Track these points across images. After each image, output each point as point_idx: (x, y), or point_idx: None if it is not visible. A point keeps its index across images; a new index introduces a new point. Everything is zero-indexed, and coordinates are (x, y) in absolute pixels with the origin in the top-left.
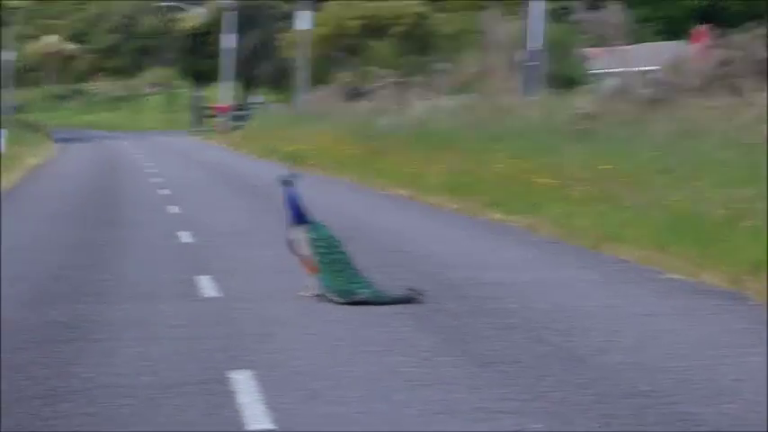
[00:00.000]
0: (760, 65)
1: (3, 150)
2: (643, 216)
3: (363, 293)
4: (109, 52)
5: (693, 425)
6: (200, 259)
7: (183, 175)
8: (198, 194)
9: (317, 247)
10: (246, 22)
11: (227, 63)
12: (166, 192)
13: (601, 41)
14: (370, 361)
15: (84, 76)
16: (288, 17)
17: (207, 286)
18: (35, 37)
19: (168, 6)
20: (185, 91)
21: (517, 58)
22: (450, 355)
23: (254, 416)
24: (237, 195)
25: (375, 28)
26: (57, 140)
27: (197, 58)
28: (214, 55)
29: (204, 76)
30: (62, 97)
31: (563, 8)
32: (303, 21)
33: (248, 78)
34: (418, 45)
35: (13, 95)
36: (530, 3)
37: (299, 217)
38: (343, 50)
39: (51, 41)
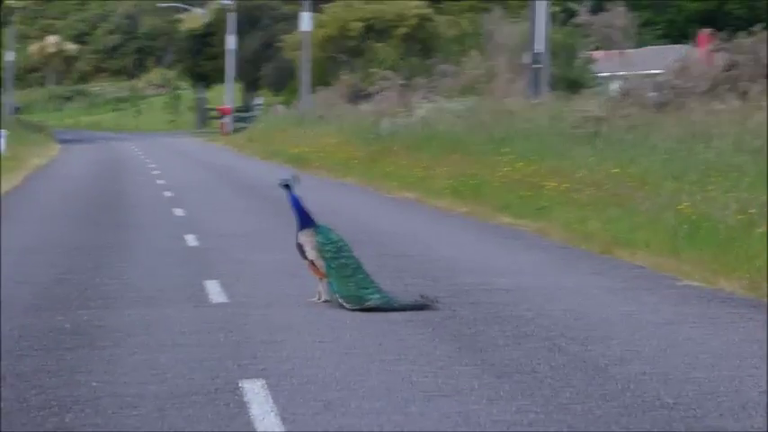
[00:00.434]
0: (766, 68)
1: (4, 151)
2: (655, 221)
3: (374, 300)
4: (110, 53)
5: None
6: (206, 263)
7: (187, 177)
8: (203, 196)
9: (325, 251)
10: (249, 24)
11: (229, 64)
12: (171, 194)
13: (605, 44)
14: (383, 370)
15: (86, 77)
16: (290, 18)
17: (214, 291)
18: (36, 37)
19: (169, 7)
20: (188, 92)
21: (521, 61)
22: (466, 364)
23: (266, 428)
24: (243, 197)
25: (377, 30)
26: (60, 141)
27: (199, 60)
28: (216, 56)
29: (207, 77)
30: (65, 98)
31: (565, 10)
32: (305, 22)
33: (251, 80)
34: (421, 47)
35: (13, 96)
36: (533, 4)
37: (305, 220)
38: (345, 52)
39: (52, 42)
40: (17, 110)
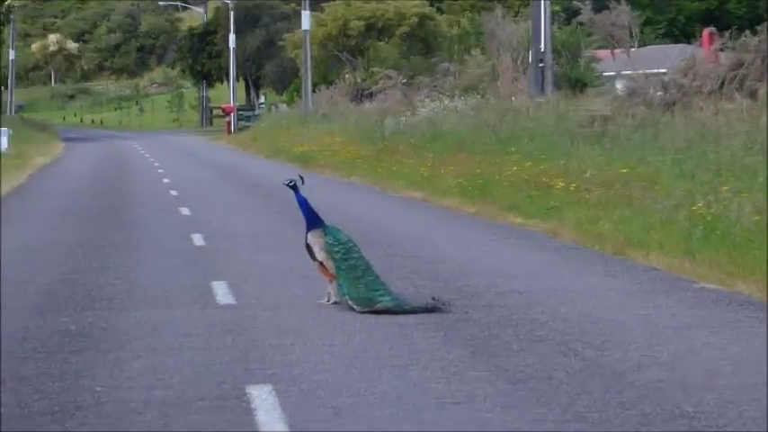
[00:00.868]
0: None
1: (7, 149)
2: (667, 221)
3: (384, 302)
4: (112, 51)
5: None
6: (212, 263)
7: (192, 176)
8: (209, 195)
9: (334, 252)
10: (249, 22)
11: (231, 63)
12: (176, 192)
13: (609, 43)
14: (395, 375)
15: (88, 75)
16: (290, 17)
17: (221, 292)
18: (37, 36)
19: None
20: (191, 91)
21: (524, 60)
22: (479, 369)
23: None
24: (248, 196)
25: (378, 28)
26: (64, 140)
27: (201, 58)
28: (218, 55)
29: (209, 75)
30: (68, 96)
31: (566, 9)
32: (305, 21)
33: (253, 79)
34: (422, 46)
35: (15, 94)
36: (536, 3)
37: (313, 220)
38: (346, 51)
39: (53, 40)
40: (20, 108)
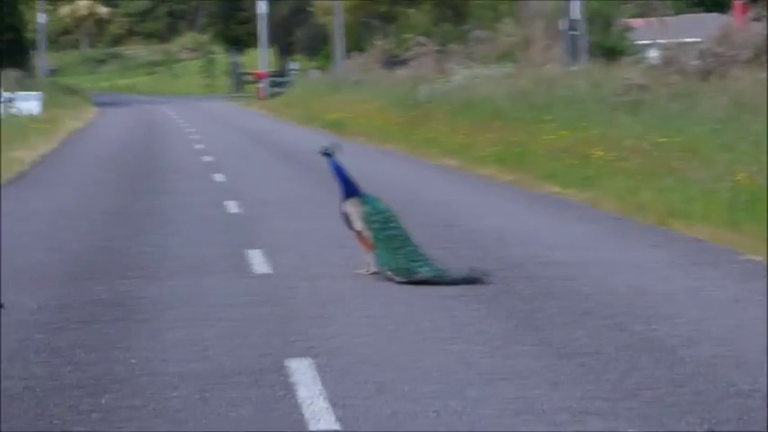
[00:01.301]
0: None
1: (40, 113)
2: (710, 192)
3: (424, 272)
4: (142, 16)
5: None
6: (248, 231)
7: (225, 142)
8: (242, 162)
9: (372, 221)
10: None
11: (262, 29)
12: (210, 159)
13: (643, 12)
14: (437, 349)
15: (119, 40)
16: None
17: (256, 261)
18: (67, 0)
19: None
20: (222, 56)
21: (557, 27)
22: (524, 344)
23: (315, 413)
24: (283, 163)
25: None
26: (96, 104)
27: (231, 24)
28: (248, 20)
29: (240, 41)
30: (98, 61)
31: None
32: None
33: (284, 45)
34: (453, 13)
35: (46, 58)
36: None
37: (350, 189)
38: (377, 17)
39: (84, 4)
40: (52, 72)
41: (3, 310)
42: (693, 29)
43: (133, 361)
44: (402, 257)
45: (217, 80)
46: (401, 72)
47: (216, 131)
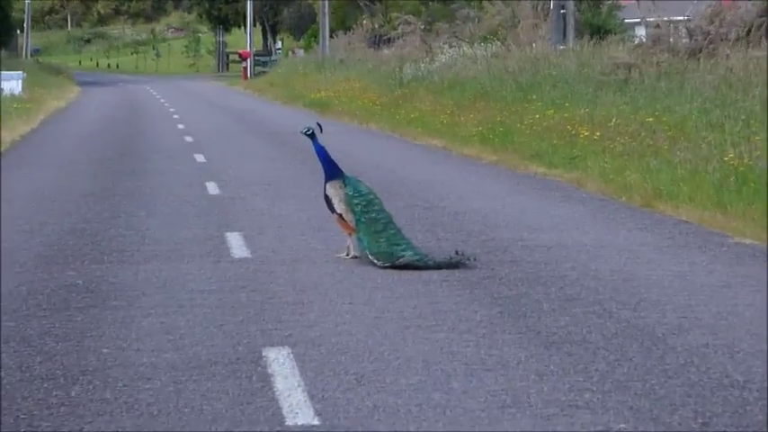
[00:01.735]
0: None
1: (21, 93)
2: (697, 172)
3: (407, 256)
4: None
5: None
6: (227, 213)
7: (208, 122)
8: (224, 142)
9: (354, 204)
10: None
11: (249, 8)
12: (191, 139)
13: None
14: (419, 338)
15: (105, 20)
16: None
17: (236, 245)
18: None
19: None
20: (208, 35)
21: (545, 6)
22: (509, 332)
23: (293, 406)
24: (265, 143)
25: None
26: (80, 84)
27: (218, 3)
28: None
29: (226, 20)
30: (84, 40)
31: None
32: None
33: (271, 24)
34: None
35: (31, 38)
36: None
37: (332, 170)
38: None
39: None
40: (36, 52)
41: None
42: (682, 7)
43: (105, 350)
44: (384, 241)
45: (201, 59)
46: (387, 51)
47: (199, 111)
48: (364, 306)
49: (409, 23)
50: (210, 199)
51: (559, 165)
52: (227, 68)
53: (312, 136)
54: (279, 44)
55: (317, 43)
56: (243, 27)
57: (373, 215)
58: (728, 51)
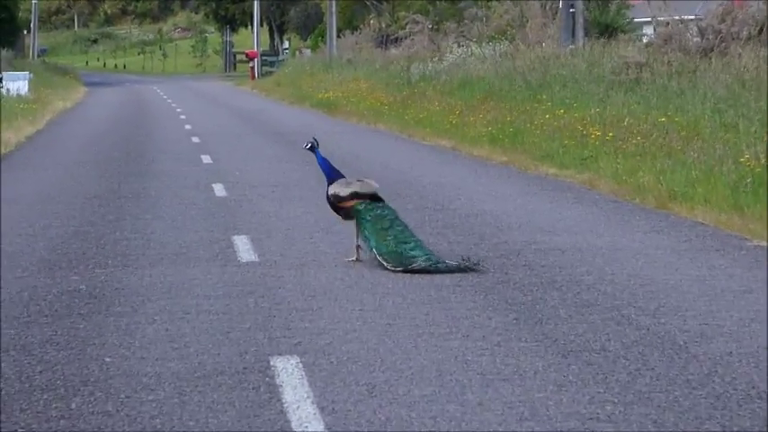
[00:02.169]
0: None
1: (28, 94)
2: (712, 174)
3: (417, 260)
4: None
5: None
6: (234, 216)
7: (215, 122)
8: (231, 143)
9: (359, 203)
10: None
11: (255, 8)
12: (198, 140)
13: None
14: (433, 346)
15: (111, 20)
16: None
17: (242, 248)
18: None
19: None
20: (215, 36)
21: (553, 5)
22: (526, 339)
23: (302, 419)
24: (272, 144)
25: None
26: (87, 84)
27: (225, 3)
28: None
29: (233, 20)
30: (91, 41)
31: None
32: None
33: (278, 24)
34: None
35: (37, 38)
36: None
37: (337, 176)
38: None
39: None
40: (43, 52)
41: None
42: (691, 6)
43: (108, 359)
44: (392, 239)
45: (208, 60)
46: (394, 51)
47: (206, 111)
48: (375, 312)
49: (417, 23)
50: (217, 201)
51: (571, 165)
52: (235, 68)
53: (313, 149)
54: (286, 44)
55: (324, 43)
56: (250, 27)
57: (378, 211)
58: (740, 50)
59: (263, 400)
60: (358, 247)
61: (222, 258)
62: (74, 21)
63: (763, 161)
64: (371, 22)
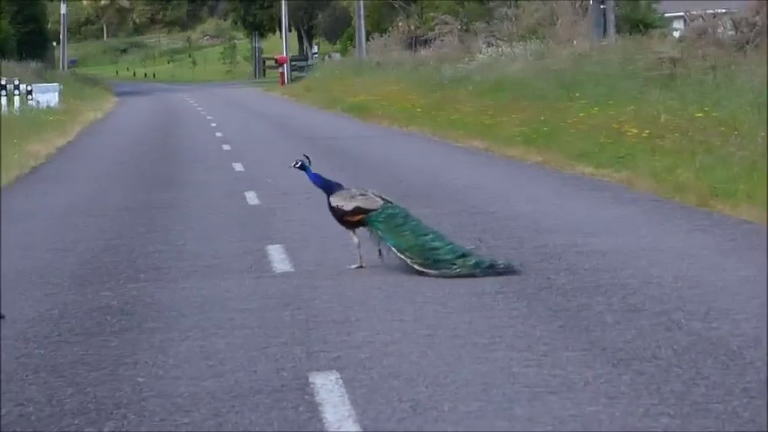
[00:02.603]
0: None
1: (58, 105)
2: (753, 169)
3: (440, 252)
4: (163, 4)
5: None
6: (268, 224)
7: (246, 129)
8: (263, 149)
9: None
10: None
11: (284, 13)
12: (229, 147)
13: None
14: (477, 357)
15: (140, 29)
16: None
17: (278, 258)
18: None
19: None
20: (244, 42)
21: (584, 2)
22: (573, 348)
23: None
24: (305, 150)
25: None
26: (117, 94)
27: (253, 9)
28: (270, 5)
29: (261, 26)
30: (120, 50)
31: None
32: None
33: (306, 28)
34: None
35: (67, 49)
36: None
37: (335, 186)
38: None
39: None
40: (73, 63)
41: (3, 321)
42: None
43: (140, 379)
44: (409, 233)
45: (238, 66)
46: (424, 52)
47: (236, 118)
48: (415, 323)
49: (446, 23)
50: (250, 209)
51: (607, 164)
52: (264, 74)
53: (303, 167)
54: (315, 48)
55: (353, 46)
56: (278, 32)
57: (389, 211)
58: None
59: (302, 420)
60: (379, 251)
61: (256, 269)
62: (103, 31)
63: None
64: (400, 24)
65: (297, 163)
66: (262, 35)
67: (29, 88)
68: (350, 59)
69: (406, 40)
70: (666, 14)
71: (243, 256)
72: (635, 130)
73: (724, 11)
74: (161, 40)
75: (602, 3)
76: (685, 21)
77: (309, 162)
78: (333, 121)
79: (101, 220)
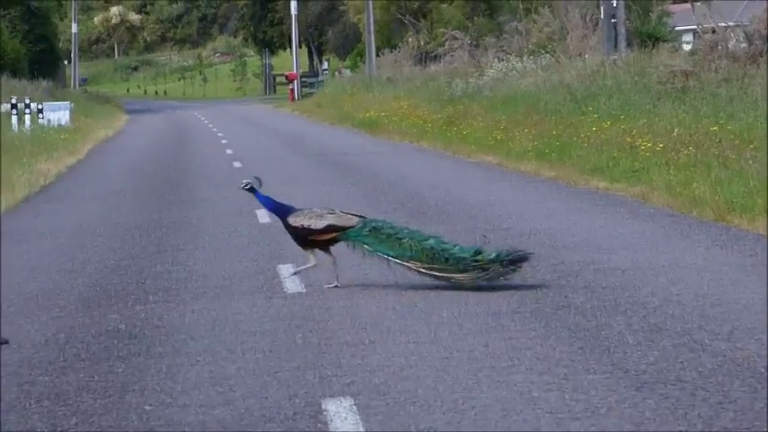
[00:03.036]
0: None
1: (69, 123)
2: None
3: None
4: (174, 22)
5: None
6: (279, 243)
7: (256, 146)
8: (273, 166)
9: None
10: None
11: (294, 30)
12: (240, 164)
13: None
14: (495, 381)
15: (151, 47)
16: None
17: (289, 278)
18: (99, 9)
19: None
20: (254, 59)
21: (594, 17)
22: (594, 371)
23: None
24: (315, 166)
25: None
26: (128, 111)
27: (263, 26)
28: (280, 22)
29: (271, 43)
30: (131, 68)
31: None
32: None
33: (316, 45)
34: (486, 6)
35: (78, 68)
36: None
37: (288, 209)
38: (410, 13)
39: (115, 12)
40: (84, 81)
41: (5, 346)
42: (732, 13)
43: (148, 407)
44: (407, 240)
45: (248, 83)
46: (434, 68)
47: (247, 135)
48: (431, 345)
49: (456, 39)
50: (261, 228)
51: (621, 179)
52: (275, 91)
53: (252, 190)
54: (325, 65)
55: (363, 62)
56: (288, 49)
57: (373, 224)
58: None
59: None
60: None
61: (267, 290)
62: (114, 49)
63: None
64: (410, 39)
65: (246, 184)
66: (272, 52)
67: (39, 107)
68: (360, 75)
69: (416, 55)
70: (677, 28)
71: (254, 276)
72: (648, 144)
73: (734, 23)
74: (172, 57)
75: (613, 17)
76: (695, 34)
77: (260, 184)
78: (344, 137)
79: (110, 239)
